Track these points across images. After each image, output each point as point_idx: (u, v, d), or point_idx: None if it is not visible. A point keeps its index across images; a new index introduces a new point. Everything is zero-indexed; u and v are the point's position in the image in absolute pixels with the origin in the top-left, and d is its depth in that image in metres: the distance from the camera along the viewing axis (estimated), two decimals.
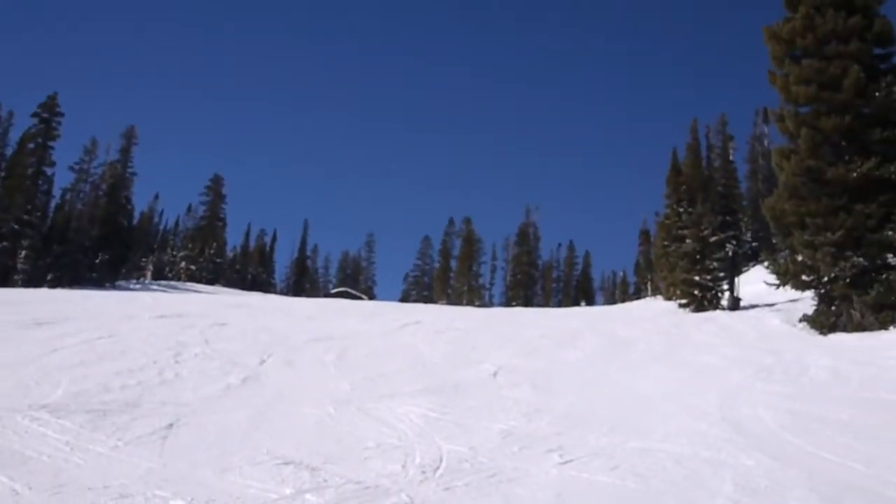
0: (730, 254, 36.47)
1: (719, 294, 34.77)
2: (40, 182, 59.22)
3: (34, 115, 59.28)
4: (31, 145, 58.34)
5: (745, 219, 51.36)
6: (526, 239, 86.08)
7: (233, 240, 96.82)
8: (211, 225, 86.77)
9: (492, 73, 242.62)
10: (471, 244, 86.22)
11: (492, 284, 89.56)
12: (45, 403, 9.29)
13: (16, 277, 52.75)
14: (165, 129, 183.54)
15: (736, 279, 35.46)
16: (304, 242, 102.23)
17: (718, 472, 7.61)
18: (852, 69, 22.55)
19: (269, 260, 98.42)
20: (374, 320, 23.85)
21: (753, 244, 50.21)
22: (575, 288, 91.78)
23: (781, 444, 8.97)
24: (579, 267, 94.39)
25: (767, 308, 29.35)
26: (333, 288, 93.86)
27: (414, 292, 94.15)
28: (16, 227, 53.57)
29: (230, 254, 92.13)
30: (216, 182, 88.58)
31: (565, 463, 7.89)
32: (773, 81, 25.02)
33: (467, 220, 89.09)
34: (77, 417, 8.66)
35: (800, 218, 22.88)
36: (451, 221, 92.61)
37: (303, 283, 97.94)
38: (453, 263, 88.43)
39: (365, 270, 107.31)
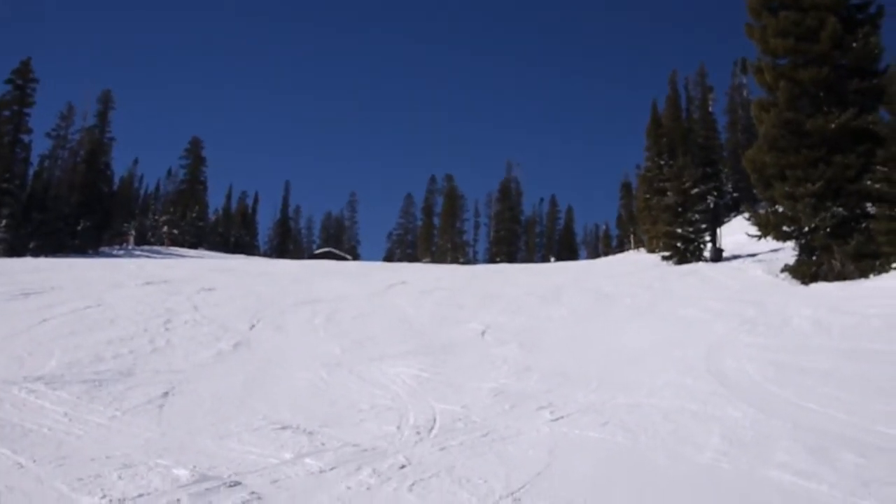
0: (711, 205, 36.61)
1: (702, 245, 34.96)
2: (17, 150, 58.45)
3: (8, 81, 58.32)
4: (7, 112, 57.48)
5: (726, 170, 51.56)
6: (508, 195, 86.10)
7: (214, 203, 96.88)
8: (192, 188, 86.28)
9: (469, 29, 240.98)
10: (453, 201, 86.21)
11: (475, 241, 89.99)
12: (40, 375, 9.37)
13: None
14: (142, 93, 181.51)
15: (718, 230, 35.65)
16: (286, 204, 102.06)
17: (706, 424, 7.81)
18: (829, 20, 22.53)
19: (252, 222, 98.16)
20: (360, 281, 23.89)
21: (734, 195, 50.50)
22: (558, 242, 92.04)
23: (766, 396, 9.18)
24: (562, 221, 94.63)
25: (749, 258, 29.61)
26: (317, 249, 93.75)
27: (398, 251, 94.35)
28: None
29: (212, 217, 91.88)
30: (195, 145, 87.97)
31: (556, 420, 8.07)
32: (750, 34, 25.00)
33: (449, 177, 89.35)
34: (73, 388, 8.75)
35: (780, 170, 22.99)
36: (434, 179, 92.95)
37: (286, 244, 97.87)
38: (436, 221, 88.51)
39: (348, 230, 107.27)
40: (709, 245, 34.85)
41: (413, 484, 5.90)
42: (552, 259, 76.88)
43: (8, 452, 6.36)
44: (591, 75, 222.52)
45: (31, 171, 62.00)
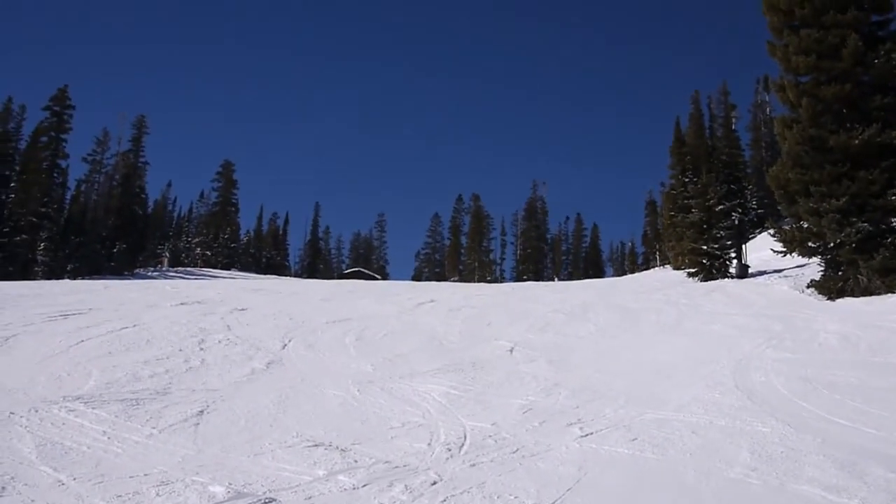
0: (736, 222, 36.52)
1: (727, 262, 34.94)
2: (55, 175, 59.81)
3: (46, 108, 59.92)
4: (45, 138, 58.77)
5: (750, 186, 51.12)
6: (534, 213, 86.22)
7: (246, 224, 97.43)
8: (224, 210, 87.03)
9: (493, 51, 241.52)
10: (480, 220, 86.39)
11: (502, 259, 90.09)
12: (79, 394, 9.56)
13: (36, 269, 53.33)
14: (174, 117, 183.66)
15: (743, 247, 35.58)
16: (315, 224, 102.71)
17: (734, 440, 7.84)
18: (851, 37, 22.51)
19: (283, 243, 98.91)
20: (390, 300, 23.99)
21: (759, 211, 50.12)
22: (584, 260, 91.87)
23: (795, 411, 9.19)
24: (587, 239, 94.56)
25: (775, 274, 29.50)
26: (347, 269, 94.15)
27: (426, 270, 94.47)
28: (34, 219, 54.11)
29: (244, 238, 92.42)
30: (227, 168, 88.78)
31: (585, 436, 8.13)
32: (772, 52, 25.00)
33: (475, 197, 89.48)
34: (111, 407, 8.91)
35: (804, 186, 22.94)
36: (460, 198, 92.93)
37: (316, 264, 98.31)
38: (463, 240, 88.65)
39: (377, 250, 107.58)
40: (734, 261, 34.82)
41: (444, 500, 5.99)
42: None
43: (49, 470, 6.52)
44: (615, 95, 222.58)
45: (68, 196, 63.56)
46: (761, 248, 33.73)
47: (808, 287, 23.26)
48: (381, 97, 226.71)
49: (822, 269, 23.54)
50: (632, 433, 8.23)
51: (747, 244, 36.79)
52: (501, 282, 73.45)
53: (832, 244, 22.33)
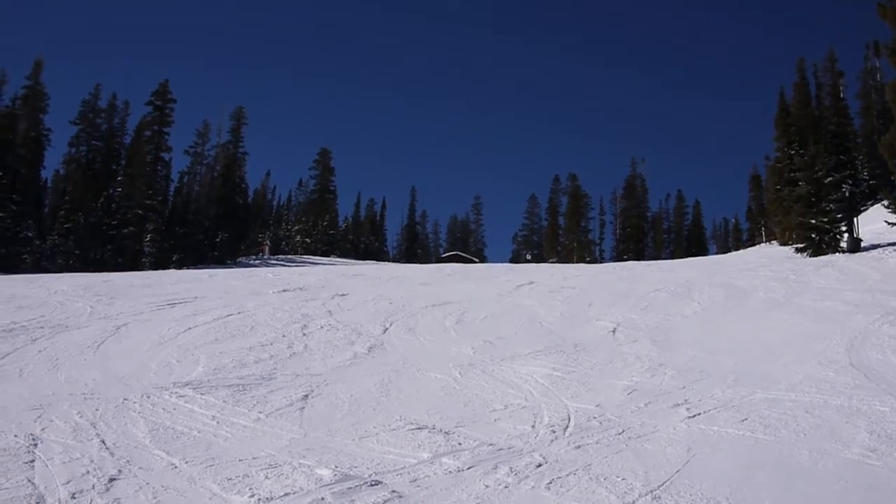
0: (847, 194, 35.26)
1: (838, 236, 33.77)
2: (159, 167, 61.82)
3: (148, 102, 62.15)
4: (148, 133, 60.99)
5: (861, 157, 49.43)
6: (633, 192, 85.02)
7: (344, 210, 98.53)
8: (322, 198, 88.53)
9: (591, 26, 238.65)
10: (577, 200, 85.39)
11: (601, 239, 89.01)
12: (189, 380, 9.82)
13: (143, 260, 55.24)
14: (270, 106, 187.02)
15: (855, 220, 34.34)
16: (412, 209, 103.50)
17: (851, 419, 7.58)
18: None
19: (380, 228, 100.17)
20: (488, 283, 23.92)
21: (871, 182, 48.39)
22: (686, 238, 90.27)
23: None
24: (689, 216, 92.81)
25: (890, 248, 28.41)
26: (444, 252, 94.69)
27: (524, 252, 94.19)
28: (140, 212, 56.21)
29: (342, 225, 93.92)
30: (324, 156, 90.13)
31: (693, 417, 7.97)
32: (883, 14, 24.05)
33: (573, 176, 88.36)
34: (219, 392, 9.13)
35: None
36: (557, 178, 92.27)
37: (414, 249, 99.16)
38: (561, 220, 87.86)
39: (474, 233, 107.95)
40: (845, 235, 33.61)
41: (551, 482, 5.94)
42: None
43: (162, 454, 6.71)
44: (716, 65, 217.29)
45: (172, 188, 65.69)
46: (874, 221, 32.55)
47: None
48: (474, 79, 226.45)
49: None
50: (742, 413, 8.03)
51: (859, 217, 35.53)
52: (601, 262, 72.71)
53: None
